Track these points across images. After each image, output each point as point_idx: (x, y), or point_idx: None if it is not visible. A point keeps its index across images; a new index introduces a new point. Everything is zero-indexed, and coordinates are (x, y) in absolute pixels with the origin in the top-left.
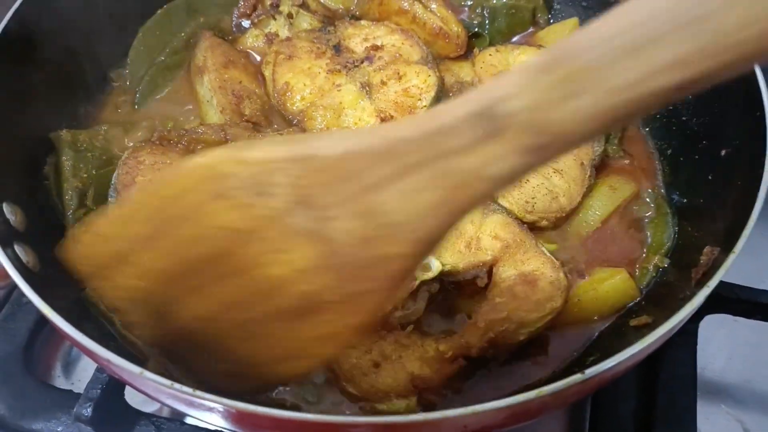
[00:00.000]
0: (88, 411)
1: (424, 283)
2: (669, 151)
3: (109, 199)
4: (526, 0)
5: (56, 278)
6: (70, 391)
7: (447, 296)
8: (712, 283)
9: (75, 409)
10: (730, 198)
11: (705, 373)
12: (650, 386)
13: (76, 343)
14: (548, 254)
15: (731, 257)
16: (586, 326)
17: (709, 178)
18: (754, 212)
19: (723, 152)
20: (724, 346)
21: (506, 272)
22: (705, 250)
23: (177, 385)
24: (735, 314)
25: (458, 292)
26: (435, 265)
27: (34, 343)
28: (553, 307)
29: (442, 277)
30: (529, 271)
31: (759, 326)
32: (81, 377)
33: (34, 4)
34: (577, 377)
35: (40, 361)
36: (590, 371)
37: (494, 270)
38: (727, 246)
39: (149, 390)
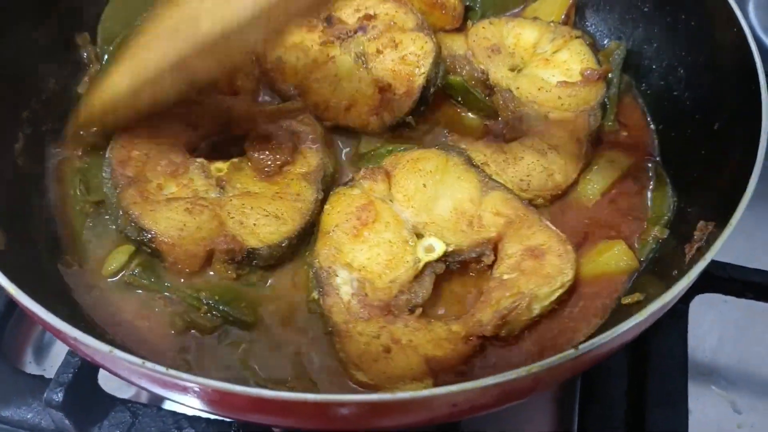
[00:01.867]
0: (59, 396)
1: (428, 264)
2: (661, 126)
3: (104, 175)
4: None
5: (25, 256)
6: (42, 376)
7: (453, 277)
8: (708, 256)
9: (45, 395)
10: (724, 173)
11: (696, 354)
12: (641, 367)
13: (42, 322)
14: (553, 227)
15: (727, 231)
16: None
17: (702, 152)
18: (749, 187)
19: (716, 126)
20: (714, 327)
21: (512, 248)
22: (699, 225)
23: (149, 364)
24: (726, 293)
25: (465, 271)
26: (438, 246)
27: (4, 327)
28: (564, 281)
29: (447, 257)
30: (535, 245)
31: (750, 306)
32: (53, 363)
33: None
34: (570, 353)
35: (11, 347)
36: (583, 347)
37: (499, 247)
38: (722, 221)
39: (121, 371)
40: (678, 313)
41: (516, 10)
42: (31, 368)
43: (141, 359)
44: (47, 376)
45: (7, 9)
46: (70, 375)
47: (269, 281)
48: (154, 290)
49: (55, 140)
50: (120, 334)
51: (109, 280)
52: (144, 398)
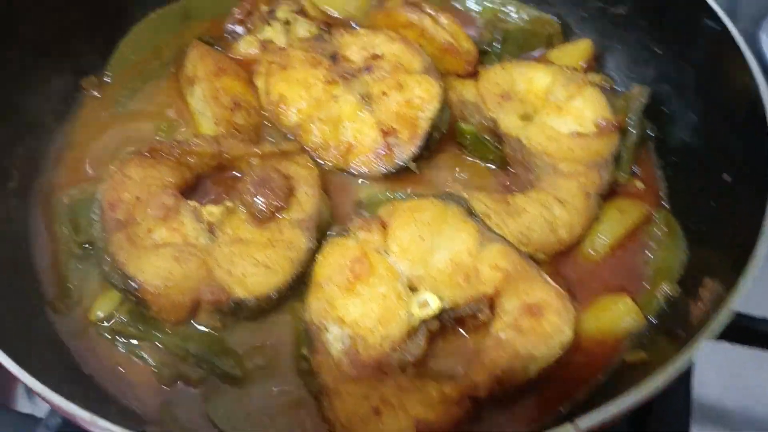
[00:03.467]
0: None
1: (423, 322)
2: (671, 173)
3: (93, 216)
4: (543, 26)
5: (11, 300)
6: (32, 416)
7: (448, 334)
8: (712, 326)
9: None
10: (733, 230)
11: (701, 398)
12: (643, 412)
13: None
14: (553, 283)
15: (734, 297)
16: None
17: (712, 204)
18: (759, 247)
19: (726, 177)
20: (721, 372)
21: (509, 304)
22: (705, 282)
23: None
24: (732, 341)
25: (460, 328)
26: (433, 302)
27: None
28: (563, 341)
29: (442, 313)
30: (534, 302)
31: (757, 353)
32: None
33: None
34: (567, 429)
35: (3, 384)
36: (583, 423)
37: (497, 302)
38: (728, 281)
39: None
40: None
41: (535, 54)
42: (23, 404)
43: (125, 429)
44: (38, 414)
45: (23, 60)
46: (60, 420)
47: (257, 332)
48: (142, 338)
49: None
50: (107, 382)
51: (96, 325)
52: None
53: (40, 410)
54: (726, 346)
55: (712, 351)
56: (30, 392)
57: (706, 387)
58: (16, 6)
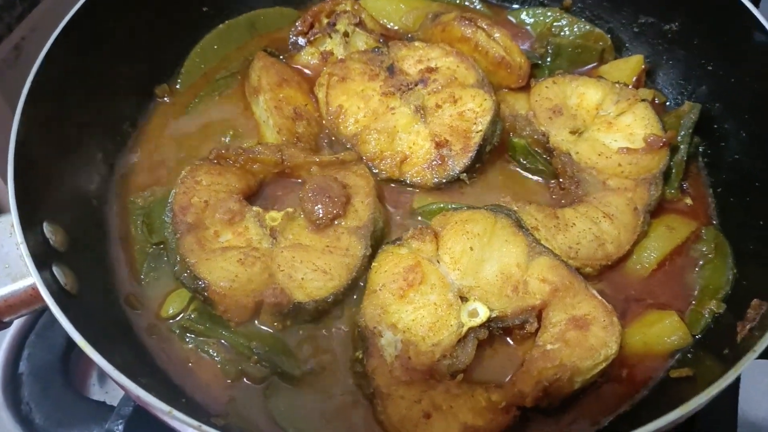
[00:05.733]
0: (119, 428)
1: (471, 329)
2: (720, 190)
3: (165, 219)
4: (595, 40)
5: (94, 300)
6: (104, 402)
7: (496, 343)
8: (759, 348)
9: (107, 425)
10: None
11: (746, 416)
12: (689, 431)
13: (106, 372)
14: (599, 297)
15: None
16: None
17: (761, 223)
18: None
19: None
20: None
21: (556, 316)
22: (753, 303)
23: (205, 427)
24: None
25: (508, 338)
26: (482, 311)
27: (71, 351)
28: (608, 354)
29: (490, 323)
30: (580, 316)
31: None
32: (116, 386)
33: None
34: None
35: (76, 372)
36: None
37: (544, 314)
38: None
39: (179, 428)
40: None
41: (586, 68)
42: (95, 391)
43: (198, 422)
44: (109, 402)
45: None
46: (131, 408)
47: (315, 335)
48: (209, 335)
49: (122, 179)
50: (177, 376)
51: (167, 322)
52: None
53: (112, 398)
54: None
55: (759, 370)
56: (101, 381)
57: (752, 405)
58: (103, 17)
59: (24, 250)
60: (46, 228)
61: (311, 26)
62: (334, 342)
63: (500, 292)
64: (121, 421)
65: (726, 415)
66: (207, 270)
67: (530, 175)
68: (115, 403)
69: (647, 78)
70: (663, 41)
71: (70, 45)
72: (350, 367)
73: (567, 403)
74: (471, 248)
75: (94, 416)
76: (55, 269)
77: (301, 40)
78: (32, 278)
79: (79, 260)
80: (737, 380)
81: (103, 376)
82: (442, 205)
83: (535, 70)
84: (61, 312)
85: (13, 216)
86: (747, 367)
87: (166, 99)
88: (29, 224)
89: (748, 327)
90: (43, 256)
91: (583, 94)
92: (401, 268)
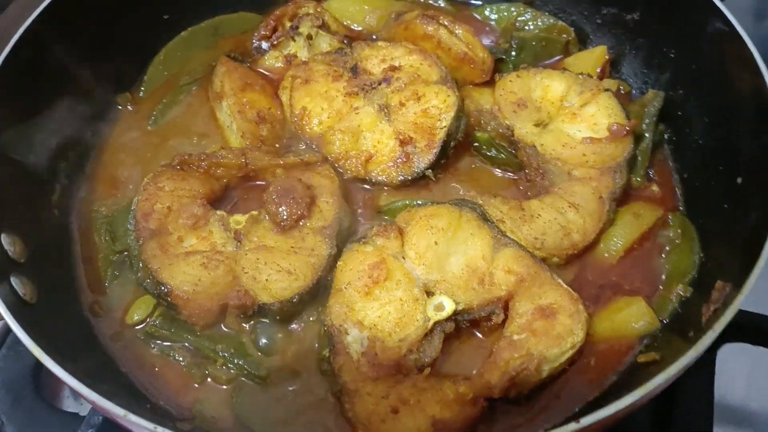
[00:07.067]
0: None
1: (438, 323)
2: (686, 175)
3: (128, 227)
4: (559, 33)
5: (56, 310)
6: (77, 414)
7: (463, 336)
8: (718, 327)
9: None
10: (743, 232)
11: (724, 401)
12: (666, 415)
13: (59, 376)
14: (565, 286)
15: (739, 298)
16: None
17: (725, 206)
18: (764, 252)
19: (738, 180)
20: (744, 373)
21: (523, 307)
22: (717, 284)
23: (160, 429)
24: (754, 343)
25: (475, 330)
26: (448, 305)
27: (42, 364)
28: (575, 342)
29: (457, 316)
30: (546, 305)
31: None
32: None
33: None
34: (571, 426)
35: (49, 383)
36: (586, 420)
37: (510, 305)
38: (738, 283)
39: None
40: (705, 361)
41: (551, 61)
42: (68, 403)
43: (153, 424)
44: (82, 413)
45: (62, 79)
46: (101, 417)
47: (282, 335)
48: (174, 340)
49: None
50: (143, 381)
51: (132, 328)
52: None
53: (85, 410)
54: (749, 348)
55: (735, 353)
56: (75, 393)
57: (728, 389)
58: (62, 27)
59: None
60: (4, 239)
61: (274, 30)
62: (301, 342)
63: (466, 285)
64: (91, 430)
65: (702, 400)
66: (169, 275)
67: (496, 169)
68: (86, 414)
69: (612, 68)
70: (625, 31)
71: (31, 53)
72: (318, 365)
73: (536, 392)
74: (436, 243)
75: (66, 428)
76: (13, 280)
77: (265, 44)
78: None
79: (41, 270)
80: (712, 364)
81: None
82: (407, 202)
83: (500, 65)
84: (15, 321)
85: None
86: (723, 351)
87: (129, 107)
88: None
89: (712, 308)
90: (0, 267)
91: (547, 87)
92: (366, 266)
